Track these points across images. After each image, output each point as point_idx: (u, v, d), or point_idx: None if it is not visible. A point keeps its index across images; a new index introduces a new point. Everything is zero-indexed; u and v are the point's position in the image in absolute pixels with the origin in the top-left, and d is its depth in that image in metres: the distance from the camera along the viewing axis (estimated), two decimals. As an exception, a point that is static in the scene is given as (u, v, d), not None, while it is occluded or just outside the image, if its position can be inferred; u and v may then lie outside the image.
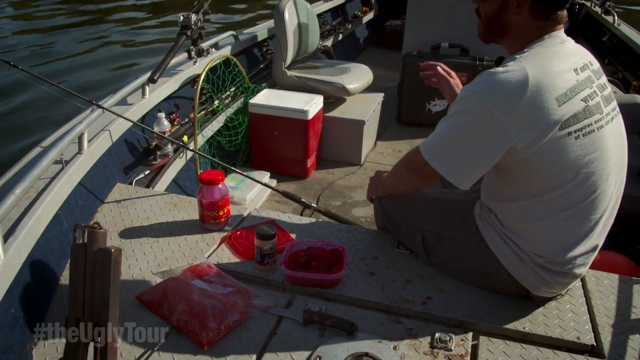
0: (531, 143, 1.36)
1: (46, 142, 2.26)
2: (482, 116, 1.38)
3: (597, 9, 5.47)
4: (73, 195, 2.01)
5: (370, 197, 2.06)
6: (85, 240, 1.18)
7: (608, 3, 5.23)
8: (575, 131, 1.38)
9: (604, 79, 1.52)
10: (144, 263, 1.80)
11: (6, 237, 1.55)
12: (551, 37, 1.45)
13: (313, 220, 2.13)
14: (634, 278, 1.81)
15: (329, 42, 5.37)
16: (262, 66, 4.26)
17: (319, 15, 5.36)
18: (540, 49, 1.42)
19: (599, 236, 1.54)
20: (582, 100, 1.39)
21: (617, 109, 1.53)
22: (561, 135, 1.37)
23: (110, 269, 1.14)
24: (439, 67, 1.99)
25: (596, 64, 1.52)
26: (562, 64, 1.40)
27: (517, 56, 1.42)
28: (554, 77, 1.37)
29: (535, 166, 1.40)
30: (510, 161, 1.43)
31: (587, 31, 5.55)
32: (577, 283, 1.72)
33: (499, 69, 1.40)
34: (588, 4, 5.86)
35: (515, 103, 1.34)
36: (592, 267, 1.75)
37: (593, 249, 1.55)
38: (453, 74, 1.98)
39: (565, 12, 1.45)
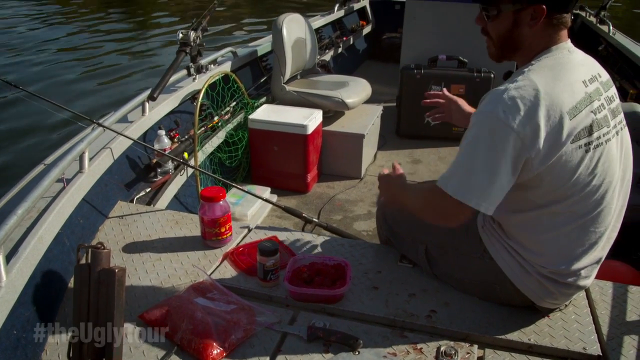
0: (545, 156, 1.35)
1: (47, 162, 2.26)
2: (503, 134, 1.34)
3: (592, 19, 5.51)
4: (75, 214, 2.00)
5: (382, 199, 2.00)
6: (89, 261, 1.18)
7: (603, 13, 5.28)
8: (585, 144, 1.37)
9: (612, 90, 1.50)
10: (146, 281, 1.79)
11: (8, 258, 1.54)
12: (558, 49, 1.43)
13: (315, 235, 2.13)
14: (637, 286, 1.81)
15: (327, 57, 5.40)
16: (261, 81, 4.28)
17: (317, 30, 5.40)
18: (549, 61, 1.41)
19: (603, 248, 1.54)
20: (591, 112, 1.38)
21: (624, 122, 1.52)
22: (573, 148, 1.36)
23: (114, 289, 1.14)
24: (444, 91, 1.97)
25: (605, 76, 1.51)
26: (571, 76, 1.39)
27: (525, 70, 1.40)
28: (564, 90, 1.35)
29: (546, 179, 1.39)
30: (526, 177, 1.40)
31: (583, 41, 5.58)
32: (582, 293, 1.72)
33: (510, 85, 1.37)
34: (583, 14, 5.91)
35: (531, 116, 1.32)
36: (596, 277, 1.76)
37: (597, 261, 1.55)
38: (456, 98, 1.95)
39: (570, 15, 1.45)
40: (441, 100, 1.99)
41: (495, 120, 1.34)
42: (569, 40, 1.47)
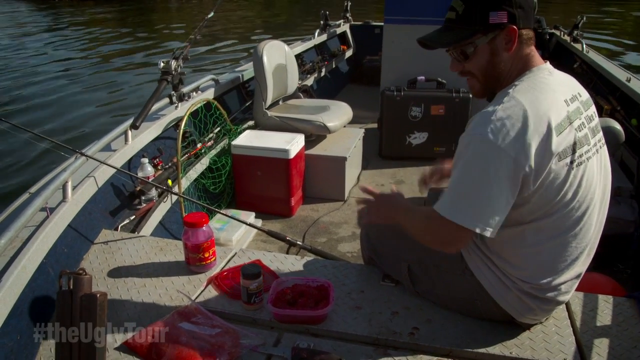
0: (537, 173, 1.37)
1: (30, 191, 2.27)
2: (494, 155, 1.35)
3: (567, 37, 5.65)
4: (59, 243, 2.01)
5: (366, 222, 1.84)
6: (71, 287, 1.19)
7: (576, 32, 5.41)
8: (570, 162, 1.40)
9: (592, 109, 1.54)
10: (131, 308, 1.80)
11: None
12: (540, 70, 1.48)
13: (299, 257, 2.15)
14: (616, 297, 1.84)
15: (308, 82, 5.47)
16: (243, 107, 4.32)
17: (298, 55, 5.46)
18: (531, 82, 1.44)
19: (583, 264, 1.57)
20: (574, 130, 1.41)
21: (603, 140, 1.56)
22: (560, 166, 1.38)
23: (96, 313, 1.15)
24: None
25: (585, 95, 1.55)
26: (553, 95, 1.42)
27: (509, 90, 1.43)
28: (548, 109, 1.38)
29: (534, 196, 1.41)
30: (524, 195, 1.40)
31: (558, 59, 5.71)
32: (562, 305, 1.75)
33: (497, 106, 1.39)
34: (558, 33, 6.05)
35: (521, 135, 1.34)
36: (577, 289, 1.79)
37: (577, 276, 1.58)
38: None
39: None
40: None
41: (485, 142, 1.36)
42: (548, 62, 1.52)
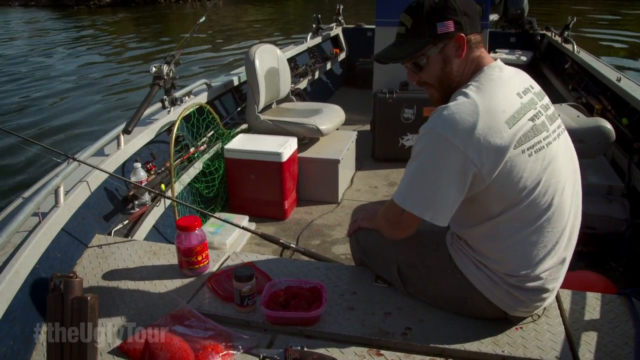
0: (492, 167, 1.42)
1: (22, 197, 2.27)
2: (443, 149, 1.43)
3: (558, 38, 5.68)
4: (51, 247, 2.01)
5: (352, 230, 2.03)
6: (62, 290, 1.19)
7: (567, 33, 5.45)
8: (527, 149, 1.45)
9: (546, 99, 1.61)
10: (124, 312, 1.80)
11: None
12: (490, 68, 1.54)
13: (292, 260, 2.15)
14: (607, 294, 1.85)
15: (301, 85, 5.47)
16: (236, 112, 4.32)
17: (291, 59, 5.48)
18: (483, 79, 1.51)
19: (565, 249, 1.59)
20: (529, 120, 1.47)
21: (562, 127, 1.61)
22: (516, 154, 1.43)
23: (87, 316, 1.15)
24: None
25: (537, 87, 1.61)
26: (505, 90, 1.49)
27: (464, 90, 1.49)
28: (500, 103, 1.45)
29: (495, 189, 1.46)
30: (478, 190, 1.47)
31: (550, 60, 5.75)
32: (553, 303, 1.76)
33: (451, 103, 1.46)
34: (549, 34, 6.09)
35: (471, 131, 1.40)
36: (568, 287, 1.80)
37: (561, 262, 1.59)
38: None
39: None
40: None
41: (435, 136, 1.44)
42: (499, 60, 1.59)
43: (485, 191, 1.47)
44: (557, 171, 1.51)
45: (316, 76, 6.04)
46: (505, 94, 1.48)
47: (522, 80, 1.59)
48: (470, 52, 1.55)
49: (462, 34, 1.51)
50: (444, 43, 1.53)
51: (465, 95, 1.46)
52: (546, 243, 1.53)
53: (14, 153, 5.74)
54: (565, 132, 1.62)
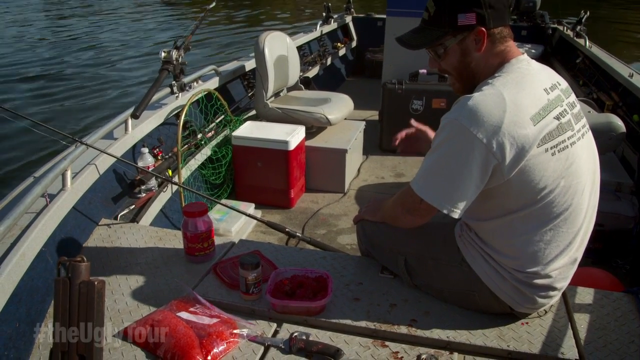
0: (513, 163, 1.39)
1: (29, 180, 2.27)
2: (466, 142, 1.39)
3: (570, 32, 5.64)
4: (58, 231, 2.01)
5: (357, 220, 2.04)
6: (69, 274, 1.19)
7: (579, 27, 5.41)
8: (551, 147, 1.41)
9: (572, 97, 1.56)
10: (130, 297, 1.80)
11: None
12: (518, 60, 1.50)
13: (297, 249, 2.15)
14: (614, 292, 1.85)
15: (310, 73, 5.46)
16: (244, 98, 4.31)
17: (300, 47, 5.45)
18: (510, 72, 1.47)
19: (577, 249, 1.57)
20: (554, 118, 1.43)
21: (587, 126, 1.58)
22: (539, 153, 1.40)
23: (94, 301, 1.15)
24: (412, 122, 2.06)
25: (564, 84, 1.57)
26: (533, 85, 1.45)
27: (490, 80, 1.46)
28: (527, 97, 1.41)
29: (516, 184, 1.43)
30: (496, 184, 1.44)
31: (561, 54, 5.70)
32: (559, 299, 1.75)
33: (476, 93, 1.42)
34: (561, 28, 6.04)
35: (496, 124, 1.36)
36: (575, 284, 1.79)
37: (572, 262, 1.58)
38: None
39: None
40: (412, 130, 2.06)
41: (458, 127, 1.40)
42: (526, 54, 1.54)
43: (504, 186, 1.44)
44: (579, 172, 1.49)
45: (325, 65, 6.02)
46: (532, 89, 1.44)
47: (550, 75, 1.55)
48: (494, 46, 1.50)
49: (483, 28, 1.46)
50: (463, 35, 1.49)
51: (492, 86, 1.43)
52: (560, 243, 1.52)
53: (22, 135, 5.74)
54: (589, 132, 1.58)
